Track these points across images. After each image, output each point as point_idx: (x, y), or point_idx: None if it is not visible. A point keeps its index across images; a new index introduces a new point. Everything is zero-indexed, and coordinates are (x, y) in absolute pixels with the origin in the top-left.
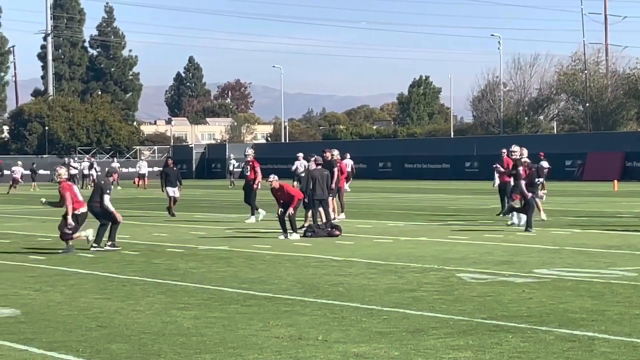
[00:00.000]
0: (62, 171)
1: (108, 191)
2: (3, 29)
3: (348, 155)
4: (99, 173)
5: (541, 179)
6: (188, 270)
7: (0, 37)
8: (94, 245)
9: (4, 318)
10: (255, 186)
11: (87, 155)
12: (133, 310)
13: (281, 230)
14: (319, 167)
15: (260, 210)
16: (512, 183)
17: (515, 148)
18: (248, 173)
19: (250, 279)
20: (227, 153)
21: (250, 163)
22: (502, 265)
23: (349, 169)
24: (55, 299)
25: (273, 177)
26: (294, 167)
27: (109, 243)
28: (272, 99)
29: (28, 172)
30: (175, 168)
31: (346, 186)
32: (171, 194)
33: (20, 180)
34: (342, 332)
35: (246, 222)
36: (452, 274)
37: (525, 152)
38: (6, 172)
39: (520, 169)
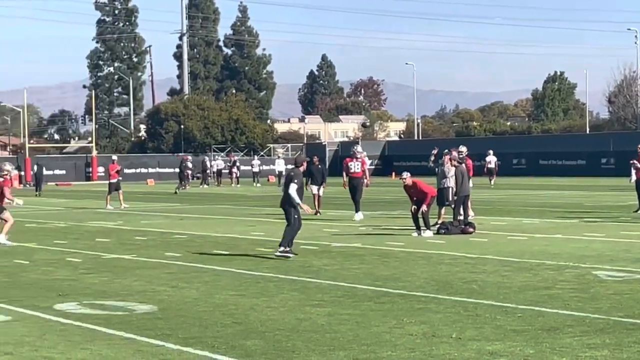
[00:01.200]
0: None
1: (296, 181)
2: (140, 29)
3: (491, 152)
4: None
5: None
6: (321, 267)
7: (137, 38)
8: (280, 250)
9: (141, 314)
10: (366, 183)
11: (222, 154)
12: (267, 307)
13: (414, 227)
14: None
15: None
16: None
17: None
18: (358, 170)
19: (383, 276)
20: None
21: (360, 160)
22: (639, 263)
23: (491, 166)
24: (191, 296)
25: (406, 174)
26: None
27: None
28: (404, 96)
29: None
30: (320, 166)
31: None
32: (314, 192)
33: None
34: (477, 329)
35: (356, 220)
36: (588, 272)
37: None
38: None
39: None
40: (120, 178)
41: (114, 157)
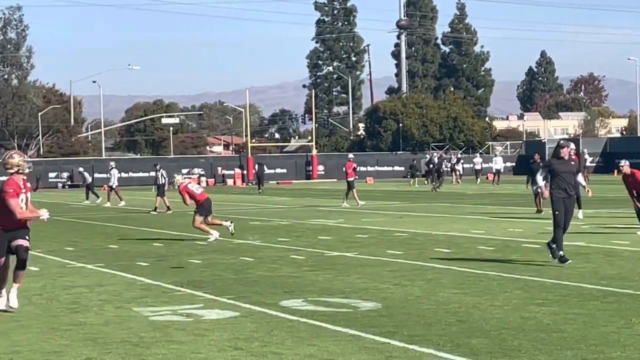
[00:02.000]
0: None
1: (540, 171)
2: (358, 28)
3: None
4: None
5: None
6: (545, 265)
7: (355, 37)
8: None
9: (366, 311)
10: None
11: (440, 151)
12: (491, 305)
13: (639, 226)
14: None
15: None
16: None
17: None
18: None
19: (609, 275)
20: (581, 148)
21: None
22: None
23: None
24: (414, 293)
25: (624, 162)
26: None
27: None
28: (626, 92)
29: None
30: (542, 164)
31: None
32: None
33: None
34: None
35: (579, 218)
36: None
37: None
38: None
39: None
40: (357, 177)
41: (351, 155)
